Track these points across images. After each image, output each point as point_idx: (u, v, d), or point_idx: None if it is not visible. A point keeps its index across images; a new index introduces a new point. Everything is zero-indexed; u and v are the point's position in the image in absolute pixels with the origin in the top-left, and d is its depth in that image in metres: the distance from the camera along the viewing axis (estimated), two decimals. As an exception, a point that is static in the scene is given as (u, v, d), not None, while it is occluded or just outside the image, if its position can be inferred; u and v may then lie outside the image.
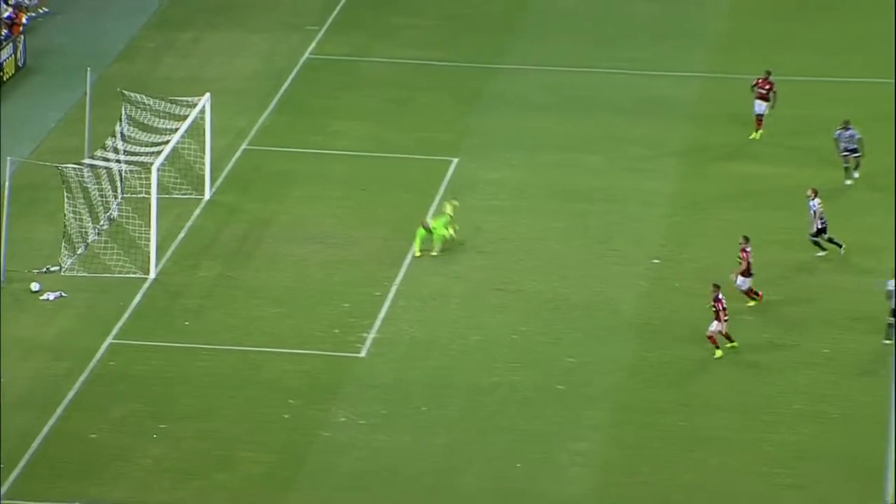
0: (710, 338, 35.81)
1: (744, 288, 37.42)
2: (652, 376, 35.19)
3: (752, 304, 37.51)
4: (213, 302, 37.85)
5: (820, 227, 39.89)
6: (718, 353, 35.80)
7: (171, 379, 34.64)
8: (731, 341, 35.98)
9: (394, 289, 38.42)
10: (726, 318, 35.74)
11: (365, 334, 36.51)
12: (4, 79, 49.74)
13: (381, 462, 31.87)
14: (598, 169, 45.55)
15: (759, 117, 46.08)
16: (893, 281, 35.97)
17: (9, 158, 39.85)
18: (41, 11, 54.80)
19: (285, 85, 50.59)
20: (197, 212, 42.20)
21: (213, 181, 43.26)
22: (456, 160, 45.66)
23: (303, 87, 50.71)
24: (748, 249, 37.38)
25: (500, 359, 35.67)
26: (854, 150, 43.62)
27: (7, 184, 39.37)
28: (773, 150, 45.31)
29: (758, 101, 46.02)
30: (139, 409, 33.44)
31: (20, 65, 50.83)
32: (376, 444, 32.45)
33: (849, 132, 43.58)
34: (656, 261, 40.31)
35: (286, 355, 35.56)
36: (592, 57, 53.28)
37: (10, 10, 52.06)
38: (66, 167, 40.34)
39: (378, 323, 36.88)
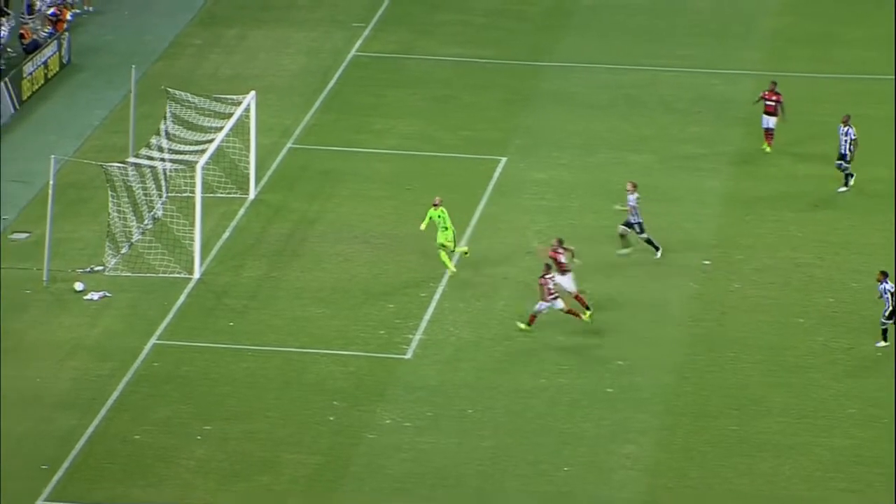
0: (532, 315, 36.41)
1: (571, 290, 37.11)
2: (702, 379, 35.25)
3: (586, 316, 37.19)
4: (257, 302, 38.14)
5: (635, 221, 39.89)
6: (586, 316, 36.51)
7: (215, 380, 34.94)
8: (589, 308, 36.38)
9: (440, 290, 38.62)
10: (553, 297, 36.17)
11: (411, 335, 36.72)
12: (49, 76, 50.24)
13: (427, 464, 32.06)
14: (649, 168, 45.62)
15: (769, 132, 45.49)
16: (891, 284, 35.82)
17: (53, 157, 40.23)
18: (86, 9, 55.28)
19: (331, 82, 50.89)
20: (242, 211, 42.52)
21: (258, 180, 43.57)
22: (504, 159, 45.81)
23: (349, 84, 50.99)
24: (560, 251, 37.21)
25: (547, 361, 35.81)
26: (844, 157, 43.07)
27: (51, 182, 39.76)
28: (826, 149, 45.18)
29: (765, 116, 45.37)
30: (183, 410, 33.76)
31: (65, 62, 51.33)
32: (422, 446, 32.65)
33: (844, 129, 43.02)
34: (707, 262, 40.36)
35: (331, 356, 35.81)
36: (644, 54, 53.34)
37: (55, 7, 52.55)
38: (110, 166, 40.73)
39: (424, 324, 37.08)
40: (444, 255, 38.96)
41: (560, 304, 36.42)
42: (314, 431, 33.03)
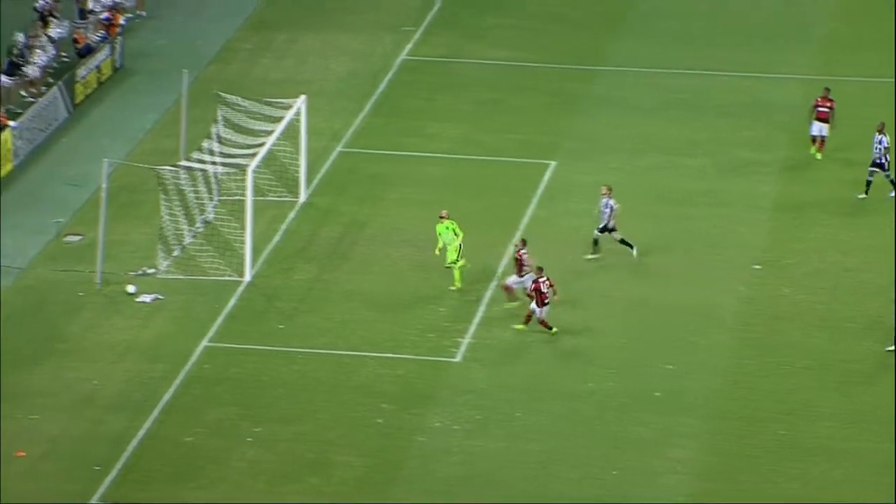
0: (541, 322, 36.38)
1: (527, 285, 37.13)
2: (752, 384, 35.25)
3: (519, 326, 37.02)
4: (307, 305, 38.38)
5: (609, 225, 39.83)
6: (554, 330, 36.47)
7: (265, 382, 35.19)
8: (550, 328, 36.46)
9: (488, 293, 38.75)
10: (547, 301, 36.20)
11: (460, 339, 36.86)
12: (102, 80, 50.66)
13: (476, 468, 32.18)
14: (701, 172, 45.63)
15: (822, 139, 45.12)
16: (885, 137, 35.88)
17: (105, 160, 40.56)
18: (138, 13, 55.70)
19: (381, 86, 51.09)
20: (292, 214, 42.78)
21: (308, 183, 43.83)
22: (553, 163, 45.91)
23: (398, 88, 51.18)
24: (524, 251, 37.21)
25: (596, 365, 35.90)
26: (881, 166, 42.82)
27: (104, 186, 40.12)
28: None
29: (817, 123, 45.04)
30: (234, 412, 34.01)
31: (117, 66, 51.75)
32: (471, 449, 32.79)
33: (878, 138, 42.79)
34: (758, 266, 40.33)
35: (380, 359, 36.00)
36: (695, 59, 53.29)
37: (107, 11, 52.97)
38: (162, 169, 41.06)
39: (473, 328, 37.22)
40: (456, 273, 38.93)
41: (544, 312, 36.52)
42: (363, 434, 33.24)
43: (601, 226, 40.01)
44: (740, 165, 46.04)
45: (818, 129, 45.28)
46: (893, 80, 50.01)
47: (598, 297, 38.75)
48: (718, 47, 54.20)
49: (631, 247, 40.10)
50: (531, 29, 55.75)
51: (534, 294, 36.52)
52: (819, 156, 45.54)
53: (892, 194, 43.29)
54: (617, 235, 40.07)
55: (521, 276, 37.55)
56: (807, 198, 43.87)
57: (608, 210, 39.92)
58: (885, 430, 33.40)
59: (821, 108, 45.19)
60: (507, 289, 37.66)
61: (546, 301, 36.45)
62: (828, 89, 45.47)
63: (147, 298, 38.37)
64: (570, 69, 52.74)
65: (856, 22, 55.97)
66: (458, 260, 38.68)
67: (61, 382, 34.87)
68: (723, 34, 55.46)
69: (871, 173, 43.10)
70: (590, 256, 40.17)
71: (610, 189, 40.09)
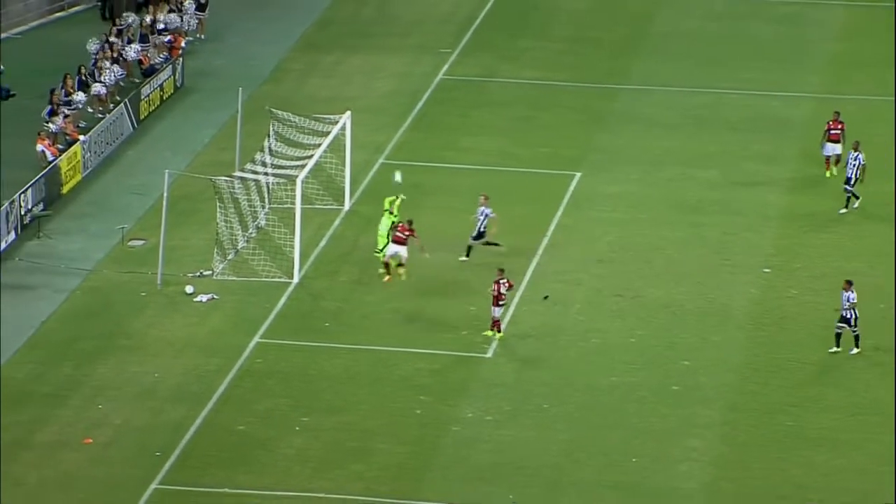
0: (494, 321, 35.96)
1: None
2: (762, 378, 34.98)
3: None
4: (350, 305, 38.30)
5: (482, 230, 39.61)
6: (498, 336, 35.95)
7: (312, 376, 35.12)
8: (498, 330, 35.96)
9: (518, 294, 38.59)
10: (502, 303, 35.84)
11: (491, 336, 36.71)
12: (164, 98, 50.74)
13: (507, 455, 32.04)
14: (714, 183, 45.36)
15: (837, 157, 44.28)
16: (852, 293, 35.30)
17: (167, 171, 40.63)
18: (198, 37, 55.80)
19: (420, 103, 51.01)
20: (337, 221, 42.72)
21: (352, 193, 43.77)
22: (578, 174, 45.72)
23: (436, 105, 51.10)
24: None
25: (618, 361, 35.69)
26: (850, 181, 42.32)
27: (165, 194, 40.15)
28: (878, 167, 44.65)
29: (830, 144, 44.28)
30: (283, 403, 33.95)
31: (178, 85, 51.82)
32: (502, 438, 32.63)
33: (854, 155, 42.20)
34: (767, 270, 40.06)
35: (418, 355, 35.88)
36: (711, 77, 53.05)
37: (170, 35, 53.07)
38: (218, 179, 41.06)
39: (503, 326, 37.05)
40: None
41: (498, 312, 36.06)
42: (402, 423, 33.12)
43: (475, 232, 39.74)
44: (750, 176, 45.76)
45: (831, 149, 44.62)
46: (894, 98, 49.67)
47: (621, 299, 38.55)
48: (729, 67, 53.92)
49: (497, 245, 39.72)
50: (559, 51, 55.60)
51: (494, 293, 35.98)
52: (829, 175, 44.76)
53: (843, 210, 42.80)
54: (483, 239, 39.76)
55: (400, 246, 38.06)
56: (813, 207, 43.55)
57: (483, 217, 39.63)
58: (884, 423, 33.09)
59: (833, 131, 44.48)
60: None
61: (501, 302, 36.04)
62: (837, 112, 44.85)
63: (204, 298, 38.37)
64: (595, 88, 52.56)
65: (859, 42, 55.56)
66: (382, 251, 38.70)
67: (125, 375, 34.88)
68: (735, 54, 55.17)
69: (847, 189, 42.71)
70: (462, 259, 39.95)
71: (487, 198, 39.97)
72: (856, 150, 42.55)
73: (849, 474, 31.45)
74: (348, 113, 43.83)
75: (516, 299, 38.32)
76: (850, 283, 35.53)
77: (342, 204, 43.36)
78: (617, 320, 37.42)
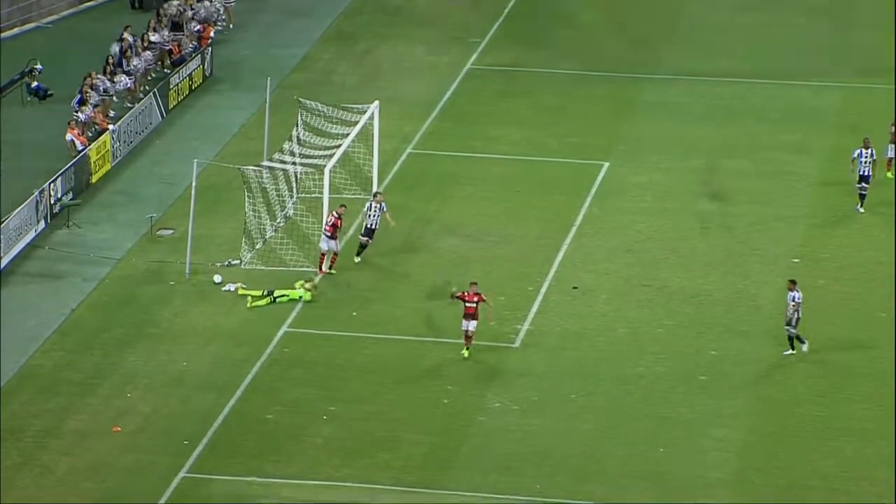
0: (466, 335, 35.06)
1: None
2: (789, 368, 34.90)
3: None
4: (378, 294, 38.34)
5: (374, 227, 39.37)
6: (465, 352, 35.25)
7: (340, 365, 35.18)
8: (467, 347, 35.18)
9: (546, 284, 38.58)
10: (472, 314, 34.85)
11: (519, 326, 36.72)
12: (193, 87, 50.85)
13: (534, 445, 32.05)
14: (742, 172, 45.23)
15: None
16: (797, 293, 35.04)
17: (195, 160, 40.72)
18: (227, 26, 55.86)
19: (448, 93, 50.98)
20: (364, 211, 42.74)
21: (379, 182, 43.79)
22: (606, 164, 45.66)
23: (464, 95, 51.06)
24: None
25: (645, 350, 35.66)
26: (867, 179, 41.81)
27: (193, 184, 40.24)
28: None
29: (892, 145, 43.62)
30: (311, 392, 34.02)
31: (207, 74, 51.92)
32: (529, 428, 32.65)
33: (865, 153, 41.72)
34: (796, 260, 39.94)
35: (446, 345, 35.90)
36: (740, 67, 52.86)
37: (199, 24, 53.17)
38: (246, 169, 41.13)
39: (531, 316, 37.06)
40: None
41: (471, 325, 35.16)
42: (430, 413, 33.16)
43: (365, 230, 39.51)
44: (779, 166, 45.61)
45: (892, 150, 44.02)
46: (894, 87, 49.42)
47: (648, 289, 38.50)
48: (759, 58, 53.71)
49: (363, 248, 39.50)
50: (589, 41, 55.48)
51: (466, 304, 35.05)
52: (890, 175, 43.98)
53: (860, 209, 42.41)
54: (368, 238, 39.55)
55: (332, 241, 38.22)
56: (841, 198, 43.37)
57: (375, 214, 39.40)
58: (914, 413, 33.06)
59: None
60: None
61: (471, 314, 35.12)
62: None
63: (232, 287, 38.47)
64: (624, 77, 52.44)
65: (890, 31, 55.25)
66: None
67: (154, 364, 35.02)
68: (765, 44, 54.96)
69: (862, 188, 42.28)
70: (356, 259, 39.71)
71: (381, 194, 40.00)
72: (866, 148, 42.17)
73: (876, 465, 31.34)
74: (376, 102, 43.81)
75: (544, 288, 38.33)
76: (793, 282, 35.17)
77: (370, 193, 43.37)
78: (644, 310, 37.37)
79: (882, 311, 37.10)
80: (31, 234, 40.69)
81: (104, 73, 47.91)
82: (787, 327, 35.19)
